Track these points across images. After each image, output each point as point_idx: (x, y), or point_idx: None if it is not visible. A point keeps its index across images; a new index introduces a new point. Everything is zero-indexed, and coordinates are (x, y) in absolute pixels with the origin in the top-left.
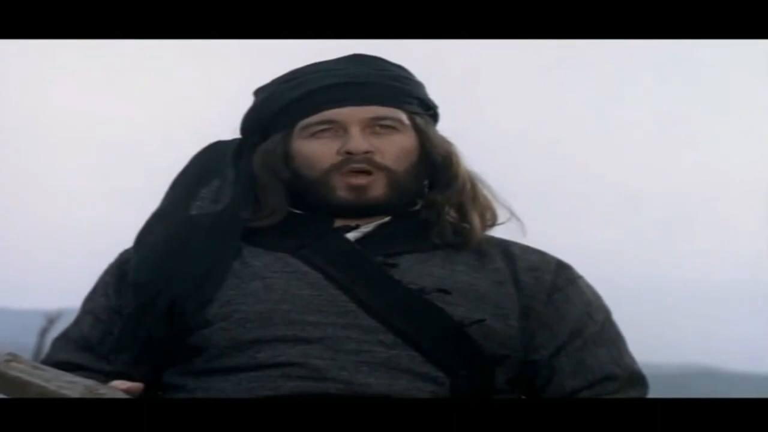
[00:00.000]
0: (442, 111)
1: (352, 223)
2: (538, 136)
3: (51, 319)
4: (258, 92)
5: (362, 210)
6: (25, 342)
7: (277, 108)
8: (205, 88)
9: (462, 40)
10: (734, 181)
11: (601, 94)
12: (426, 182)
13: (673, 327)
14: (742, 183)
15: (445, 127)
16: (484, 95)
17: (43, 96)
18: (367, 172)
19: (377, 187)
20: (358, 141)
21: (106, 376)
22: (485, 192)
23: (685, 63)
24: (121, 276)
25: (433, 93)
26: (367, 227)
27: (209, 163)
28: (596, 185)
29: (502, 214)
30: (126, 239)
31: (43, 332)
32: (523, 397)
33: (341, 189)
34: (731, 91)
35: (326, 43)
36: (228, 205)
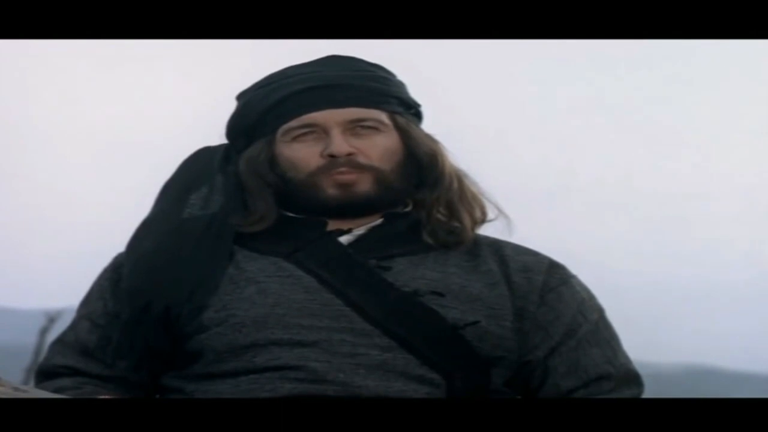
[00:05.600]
0: (430, 111)
1: (345, 226)
2: (532, 135)
3: (51, 318)
4: (239, 97)
5: (352, 207)
6: (25, 342)
7: (258, 113)
8: (206, 88)
9: (450, 40)
10: (736, 181)
11: (597, 93)
12: (413, 182)
13: (672, 326)
14: (744, 182)
15: (433, 127)
16: (478, 95)
17: (43, 96)
18: (357, 172)
19: (364, 184)
20: (339, 143)
21: (104, 381)
22: (473, 189)
23: (681, 62)
24: (117, 280)
25: (426, 92)
26: (359, 230)
27: (197, 170)
28: (593, 184)
29: (490, 212)
30: (126, 240)
31: (44, 331)
32: (519, 397)
33: (329, 187)
34: (728, 90)
35: (318, 44)
36: (219, 210)
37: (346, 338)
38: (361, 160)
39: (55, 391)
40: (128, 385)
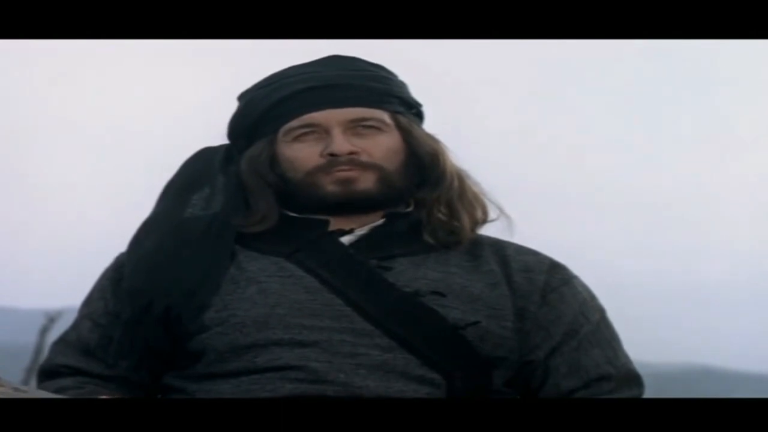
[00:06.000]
0: (438, 111)
1: (346, 226)
2: (534, 134)
3: (51, 318)
4: (240, 97)
5: (352, 204)
6: (25, 341)
7: (259, 113)
8: (206, 88)
9: (456, 40)
10: (735, 180)
11: (599, 93)
12: (415, 181)
13: (672, 327)
14: (744, 182)
15: (434, 127)
16: (479, 94)
17: (42, 96)
18: (359, 170)
19: (366, 181)
20: (340, 143)
21: (106, 381)
22: (474, 189)
23: (683, 61)
24: (118, 280)
25: (427, 92)
26: (361, 230)
27: (199, 170)
28: (593, 184)
29: (491, 212)
30: (126, 239)
31: (44, 331)
32: (519, 397)
33: (328, 184)
34: (729, 90)
35: (318, 44)
36: (220, 210)
37: (347, 338)
38: (364, 158)
39: (57, 390)
40: (129, 385)
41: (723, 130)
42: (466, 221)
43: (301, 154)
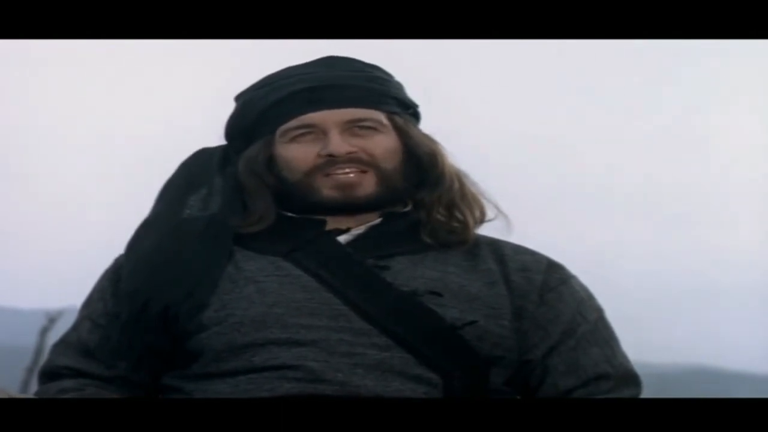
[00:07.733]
0: (429, 112)
1: (343, 225)
2: (533, 134)
3: (52, 318)
4: (238, 98)
5: (350, 207)
6: (25, 342)
7: (256, 114)
8: (205, 88)
9: (457, 40)
10: (734, 181)
11: (599, 92)
12: (414, 182)
13: (672, 327)
14: (743, 182)
15: (433, 128)
16: (480, 95)
17: (42, 96)
18: (359, 171)
19: (367, 186)
20: (337, 143)
21: (106, 382)
22: (473, 189)
23: (684, 61)
24: (117, 281)
25: (424, 93)
26: (358, 230)
27: (196, 171)
28: (593, 183)
29: (489, 212)
30: (126, 240)
31: (44, 331)
32: (518, 397)
33: (327, 188)
34: (731, 90)
35: (318, 44)
36: (218, 211)
37: (345, 337)
38: (363, 157)
39: (58, 392)
40: (130, 385)
41: (726, 129)
42: (468, 221)
43: (298, 154)
